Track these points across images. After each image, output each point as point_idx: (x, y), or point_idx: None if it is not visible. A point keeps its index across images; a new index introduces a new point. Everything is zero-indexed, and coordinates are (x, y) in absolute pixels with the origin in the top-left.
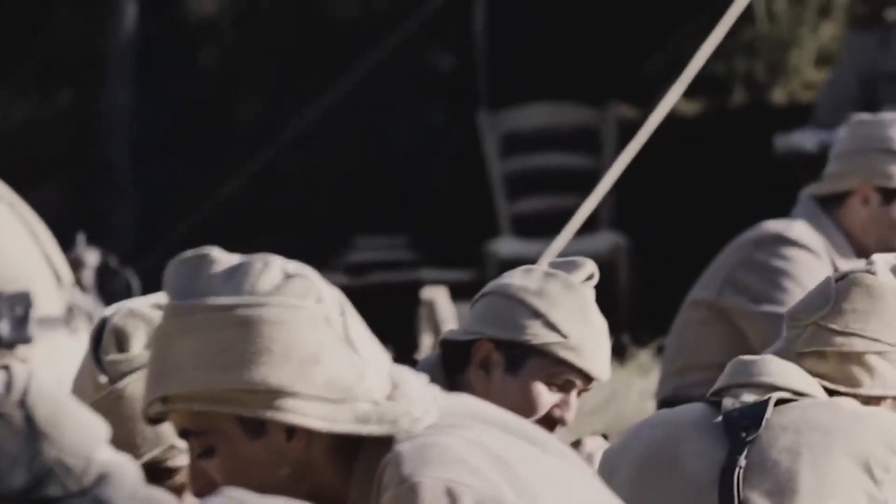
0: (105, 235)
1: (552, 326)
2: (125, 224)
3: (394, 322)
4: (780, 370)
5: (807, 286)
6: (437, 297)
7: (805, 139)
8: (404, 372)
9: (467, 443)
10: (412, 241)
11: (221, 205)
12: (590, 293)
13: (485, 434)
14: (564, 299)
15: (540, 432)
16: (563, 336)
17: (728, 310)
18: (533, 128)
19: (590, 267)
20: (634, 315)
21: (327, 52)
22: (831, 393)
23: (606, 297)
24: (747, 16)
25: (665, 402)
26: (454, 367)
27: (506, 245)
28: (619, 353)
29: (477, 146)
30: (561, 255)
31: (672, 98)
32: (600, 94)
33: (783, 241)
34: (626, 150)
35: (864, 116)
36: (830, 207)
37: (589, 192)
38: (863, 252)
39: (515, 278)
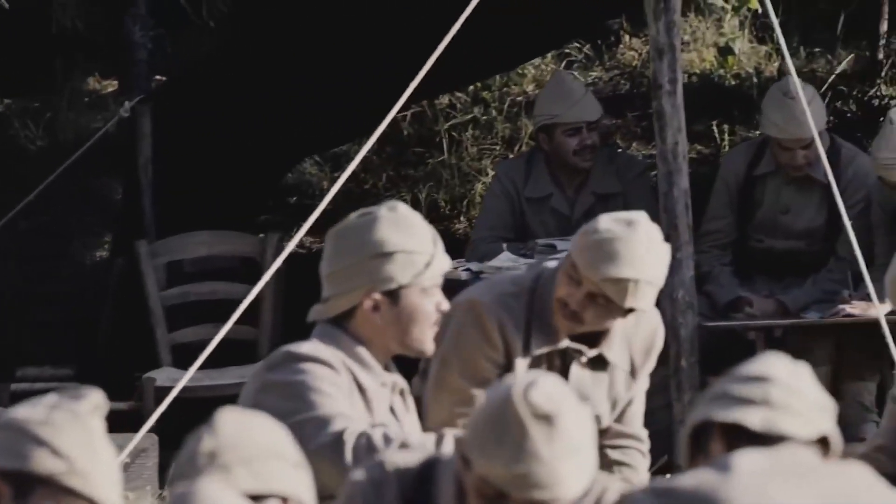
0: None
1: (57, 454)
2: None
3: None
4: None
5: (328, 391)
6: None
7: (461, 269)
8: None
9: None
10: (76, 371)
11: None
12: (97, 423)
13: None
14: (70, 428)
15: None
16: (68, 464)
17: None
18: (194, 258)
19: (96, 398)
20: None
21: (13, 180)
22: None
23: None
24: (433, 145)
25: None
26: None
27: (165, 375)
28: None
29: (139, 276)
30: (219, 384)
31: (309, 223)
32: (263, 224)
33: (293, 357)
34: (261, 279)
35: (342, 229)
36: (344, 323)
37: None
38: (386, 358)
39: (21, 410)
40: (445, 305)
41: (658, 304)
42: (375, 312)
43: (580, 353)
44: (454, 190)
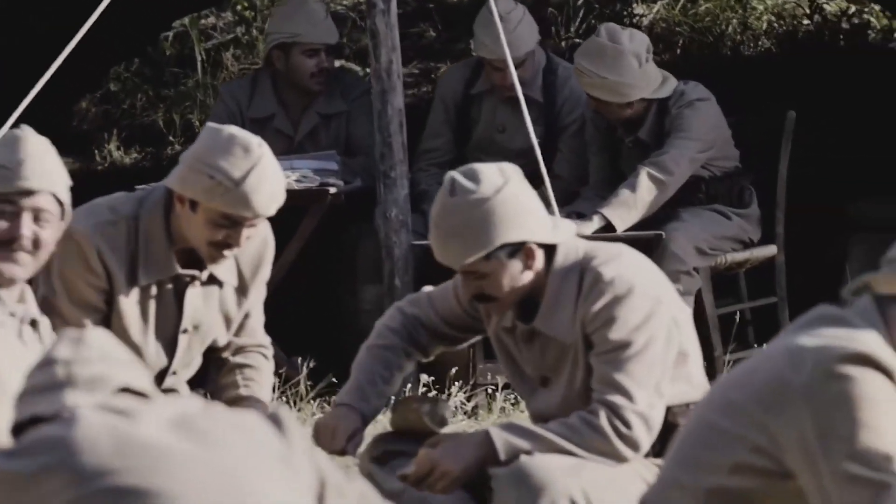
0: None
1: None
2: None
3: None
4: None
5: None
6: None
7: None
8: None
9: None
10: None
11: None
12: None
13: None
14: None
15: None
16: None
17: None
18: None
19: None
20: None
21: None
22: None
23: None
24: (193, 65)
25: None
26: None
27: None
28: None
29: None
30: None
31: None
32: None
33: None
34: None
35: None
36: None
37: None
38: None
39: None
40: (25, 230)
41: (372, 221)
42: None
43: (193, 277)
44: (209, 110)
